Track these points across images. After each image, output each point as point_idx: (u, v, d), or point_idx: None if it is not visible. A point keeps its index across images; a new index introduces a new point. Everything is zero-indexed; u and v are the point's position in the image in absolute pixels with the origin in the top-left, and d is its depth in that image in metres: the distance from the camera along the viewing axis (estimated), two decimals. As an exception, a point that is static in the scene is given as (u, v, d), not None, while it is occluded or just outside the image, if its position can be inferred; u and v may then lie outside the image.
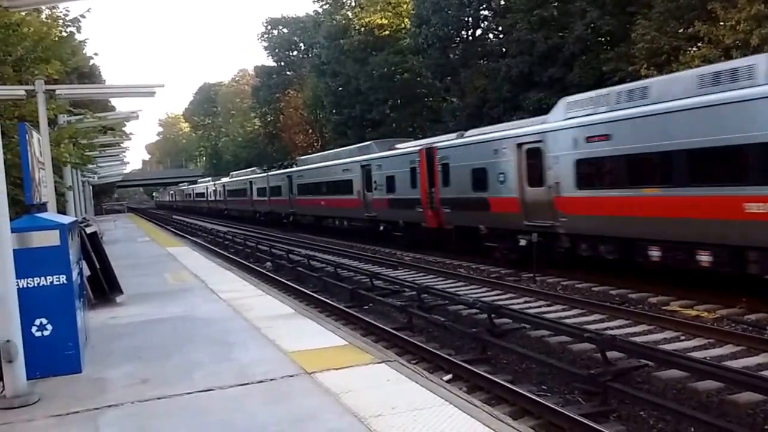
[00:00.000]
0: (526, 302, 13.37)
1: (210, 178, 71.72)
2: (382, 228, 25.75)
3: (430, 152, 21.49)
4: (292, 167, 40.36)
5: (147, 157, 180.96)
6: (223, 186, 60.74)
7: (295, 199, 37.42)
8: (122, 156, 37.71)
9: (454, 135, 22.01)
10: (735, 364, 8.48)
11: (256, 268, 20.33)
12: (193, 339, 8.33)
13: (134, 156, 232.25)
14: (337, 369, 6.58)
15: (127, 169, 71.21)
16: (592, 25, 30.66)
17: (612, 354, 8.63)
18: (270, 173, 43.64)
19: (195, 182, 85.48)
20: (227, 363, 7.09)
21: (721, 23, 23.78)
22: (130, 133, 31.10)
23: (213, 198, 65.62)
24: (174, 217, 66.02)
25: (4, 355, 5.90)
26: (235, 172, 61.04)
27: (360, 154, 28.39)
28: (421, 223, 22.13)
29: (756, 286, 11.60)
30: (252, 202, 48.50)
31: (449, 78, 42.84)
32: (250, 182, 48.82)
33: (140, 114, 23.03)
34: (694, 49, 25.33)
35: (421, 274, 17.90)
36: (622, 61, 28.61)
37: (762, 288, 11.70)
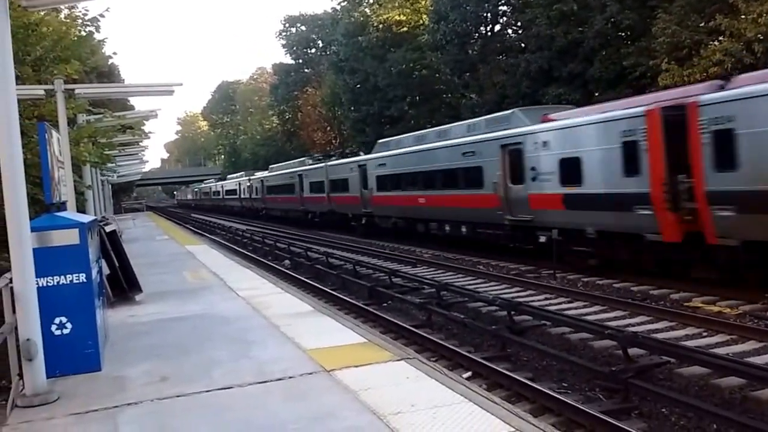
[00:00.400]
0: (546, 299, 13.28)
1: (243, 173, 68.82)
2: (543, 239, 16.54)
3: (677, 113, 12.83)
4: (359, 155, 33.59)
5: (166, 155, 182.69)
6: (261, 182, 53.30)
7: (372, 195, 28.51)
8: (141, 155, 37.99)
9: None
10: (758, 360, 8.38)
11: (274, 265, 20.40)
12: (212, 337, 8.36)
13: (153, 155, 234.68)
14: (356, 366, 6.57)
15: (146, 168, 71.73)
16: (612, 19, 30.40)
17: (633, 351, 8.58)
18: (329, 163, 35.87)
19: (224, 178, 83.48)
20: (246, 361, 7.10)
21: (743, 16, 23.48)
22: (149, 132, 31.31)
23: (247, 195, 58.80)
24: (193, 215, 66.35)
25: (24, 354, 5.95)
26: (275, 165, 55.02)
27: (497, 128, 19.50)
28: (647, 234, 13.58)
29: None
30: (302, 199, 40.26)
31: (468, 74, 42.72)
32: (300, 176, 40.39)
33: (159, 113, 23.18)
34: (716, 42, 25.04)
35: (440, 272, 17.84)
36: (642, 56, 28.37)
37: None
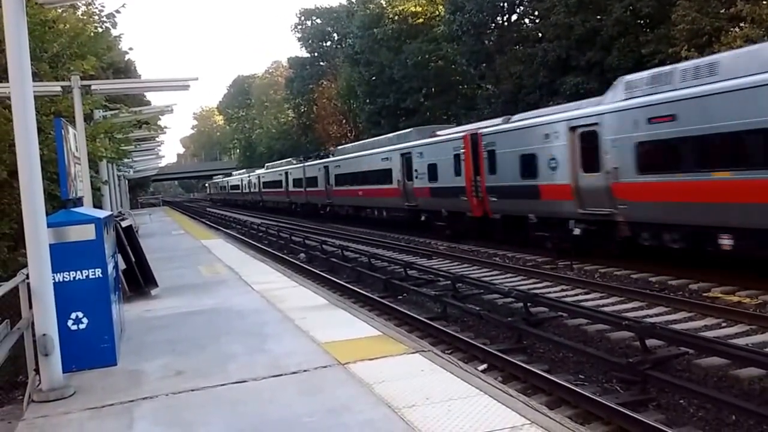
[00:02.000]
0: (562, 290, 13.25)
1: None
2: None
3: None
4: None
5: (182, 150, 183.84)
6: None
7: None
8: (157, 150, 38.19)
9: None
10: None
11: (289, 259, 20.47)
12: (227, 331, 8.41)
13: (169, 150, 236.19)
14: (370, 359, 6.59)
15: (162, 163, 72.16)
16: (631, 6, 30.22)
17: (651, 342, 8.54)
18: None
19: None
20: (261, 354, 7.14)
21: (765, 2, 23.16)
22: (165, 127, 31.55)
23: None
24: (209, 210, 66.79)
25: (41, 349, 6.01)
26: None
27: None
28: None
29: None
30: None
31: (484, 65, 42.56)
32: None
33: (175, 108, 23.30)
34: (736, 29, 24.69)
35: (455, 264, 17.83)
36: (662, 44, 28.11)
37: None
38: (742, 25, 24.43)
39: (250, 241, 27.56)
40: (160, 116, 24.72)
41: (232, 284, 12.46)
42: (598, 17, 32.34)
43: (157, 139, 31.77)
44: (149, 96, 40.64)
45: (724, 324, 9.98)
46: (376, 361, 6.53)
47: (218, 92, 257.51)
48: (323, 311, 9.39)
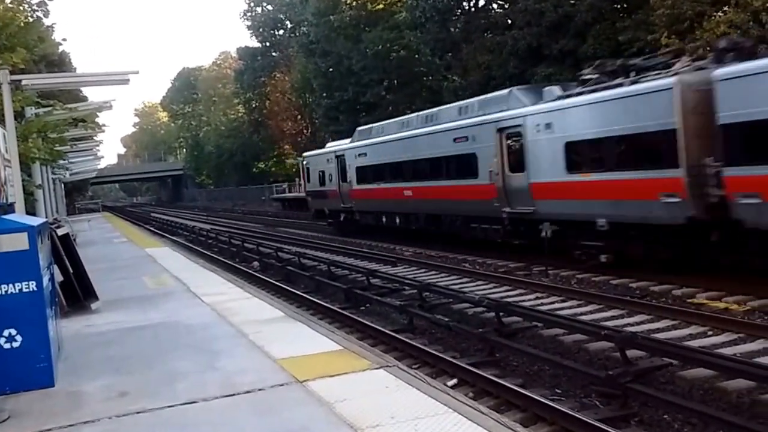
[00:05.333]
0: (537, 298, 13.41)
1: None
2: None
3: None
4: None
5: (123, 150, 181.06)
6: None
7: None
8: (96, 150, 37.73)
9: None
10: (768, 360, 8.44)
11: (242, 268, 20.37)
12: (175, 347, 8.36)
13: (109, 150, 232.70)
14: (331, 376, 6.61)
15: (102, 165, 71.22)
16: (607, -10, 30.32)
17: (632, 353, 8.64)
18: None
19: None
20: (212, 372, 7.12)
21: (749, -16, 23.30)
22: (104, 125, 31.11)
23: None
24: (153, 215, 65.93)
25: (-31, 371, 5.92)
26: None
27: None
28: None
29: None
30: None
31: (450, 54, 42.73)
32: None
33: (114, 104, 23.09)
34: (720, 14, 24.89)
35: (422, 271, 17.95)
36: (640, 30, 28.28)
37: None
38: (725, 9, 24.67)
39: (198, 248, 27.36)
40: (98, 113, 24.38)
41: (180, 296, 12.38)
42: (572, 2, 32.56)
43: (95, 138, 31.39)
44: (86, 91, 40.19)
45: (710, 332, 10.15)
46: (337, 378, 6.55)
47: (162, 86, 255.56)
48: (279, 324, 9.38)
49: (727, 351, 8.96)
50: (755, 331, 9.86)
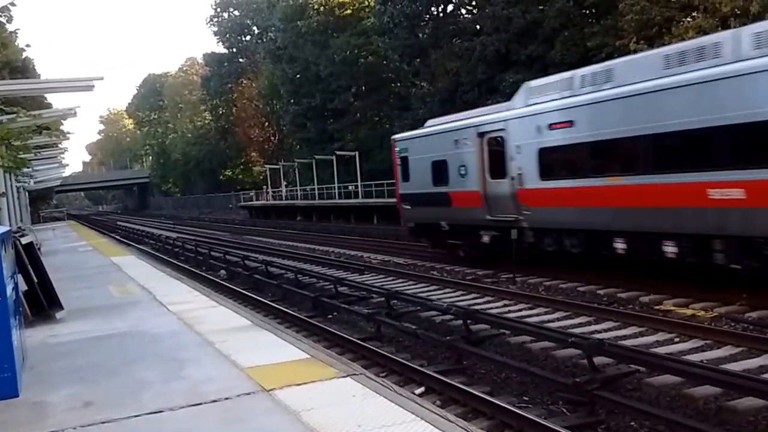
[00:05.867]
0: (505, 305, 13.51)
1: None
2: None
3: None
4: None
5: (88, 158, 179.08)
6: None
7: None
8: (60, 158, 37.30)
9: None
10: (735, 366, 8.59)
11: (209, 276, 20.23)
12: (141, 356, 8.30)
13: (74, 158, 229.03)
14: (297, 385, 6.61)
15: (67, 172, 70.30)
16: (575, -5, 30.55)
17: (600, 360, 8.73)
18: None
19: None
20: (178, 382, 7.08)
21: (719, -11, 23.55)
22: (68, 133, 30.77)
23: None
24: (119, 223, 65.13)
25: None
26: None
27: None
28: None
29: (757, 281, 11.87)
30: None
31: (418, 60, 42.89)
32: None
33: (79, 111, 22.79)
34: (689, 19, 25.09)
35: (390, 279, 17.99)
36: (609, 36, 28.40)
37: (764, 282, 11.98)
38: (694, 14, 24.94)
39: (165, 257, 27.11)
40: (62, 120, 24.16)
41: (146, 305, 12.28)
42: (540, 8, 32.71)
43: (60, 145, 31.05)
44: (50, 98, 39.56)
45: (677, 339, 10.27)
46: (304, 387, 6.55)
47: (127, 93, 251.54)
48: (246, 333, 9.35)
49: (694, 358, 9.07)
50: (722, 337, 9.98)
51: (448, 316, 12.03)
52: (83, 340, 9.59)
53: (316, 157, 53.96)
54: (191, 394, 6.54)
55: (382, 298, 13.80)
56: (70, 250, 27.63)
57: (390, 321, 12.18)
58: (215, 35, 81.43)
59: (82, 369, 7.92)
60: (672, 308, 12.21)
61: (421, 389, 8.66)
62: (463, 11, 42.19)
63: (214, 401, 6.32)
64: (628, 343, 9.95)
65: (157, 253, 29.12)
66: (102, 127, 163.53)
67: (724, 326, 10.78)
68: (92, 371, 7.78)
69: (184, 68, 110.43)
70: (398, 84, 52.07)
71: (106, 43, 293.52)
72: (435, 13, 42.66)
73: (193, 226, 53.84)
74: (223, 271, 21.69)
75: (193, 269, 22.34)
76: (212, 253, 25.65)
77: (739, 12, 23.14)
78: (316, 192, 56.15)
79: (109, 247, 29.43)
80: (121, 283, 15.67)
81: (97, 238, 38.40)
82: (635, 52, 25.43)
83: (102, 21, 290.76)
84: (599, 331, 10.90)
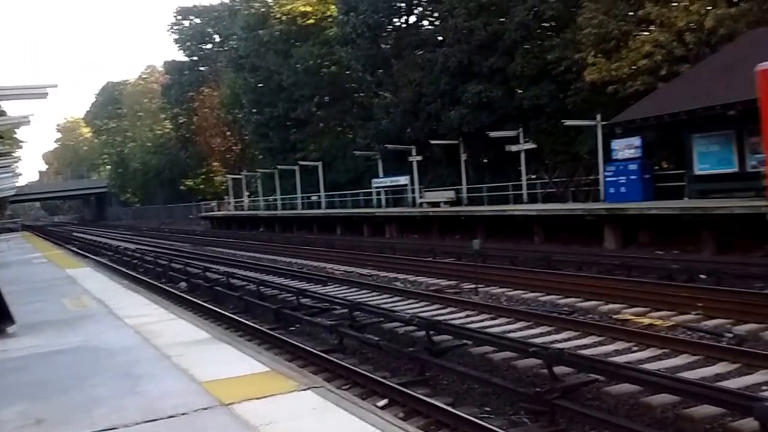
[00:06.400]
0: (467, 316, 13.57)
1: None
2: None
3: None
4: None
5: (44, 167, 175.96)
6: None
7: None
8: (14, 167, 36.61)
9: None
10: (691, 375, 8.74)
11: (168, 289, 20.01)
12: (95, 372, 8.14)
13: (29, 167, 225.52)
14: (257, 398, 6.54)
15: (21, 182, 69.01)
16: (534, 9, 31.15)
17: (560, 369, 8.83)
18: None
19: None
20: (133, 397, 6.95)
21: (674, 4, 24.24)
22: (21, 141, 30.31)
23: None
24: (75, 234, 64.05)
25: None
26: None
27: None
28: None
29: (712, 291, 12.28)
30: None
31: (381, 71, 43.18)
32: None
33: (33, 119, 22.36)
34: (645, 33, 25.73)
35: (353, 290, 17.97)
36: (568, 49, 28.99)
37: (719, 292, 12.51)
38: (651, 28, 25.56)
39: (123, 269, 26.73)
40: (15, 129, 23.74)
41: (101, 319, 12.05)
42: (501, 20, 33.24)
43: (13, 154, 30.51)
44: (3, 106, 38.80)
45: (635, 348, 10.41)
46: (264, 400, 6.49)
47: (85, 101, 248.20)
48: (205, 346, 9.24)
49: (652, 366, 9.21)
50: (678, 346, 10.15)
51: (411, 327, 12.04)
52: (35, 356, 9.36)
53: (279, 167, 53.79)
54: (147, 410, 6.43)
55: (345, 310, 13.77)
56: (23, 262, 27.08)
57: (353, 332, 12.16)
58: (176, 43, 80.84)
59: (34, 385, 7.74)
60: (630, 317, 12.39)
61: (384, 401, 8.65)
62: (426, 23, 42.55)
63: (171, 417, 6.22)
64: (587, 352, 10.07)
65: (114, 265, 28.68)
66: (59, 135, 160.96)
67: (680, 335, 10.97)
68: (44, 387, 7.61)
69: (144, 76, 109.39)
70: (361, 94, 52.16)
71: (64, 50, 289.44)
72: (397, 24, 42.94)
73: (152, 237, 53.17)
74: (183, 283, 21.46)
75: (153, 281, 22.07)
76: (172, 264, 25.38)
77: (694, 26, 23.73)
78: (279, 202, 55.93)
79: (64, 258, 28.90)
80: (76, 296, 15.38)
81: (52, 249, 37.71)
82: (594, 65, 26.05)
83: (59, 28, 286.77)
84: (559, 341, 11.01)
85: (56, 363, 8.82)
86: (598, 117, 26.51)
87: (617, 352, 10.28)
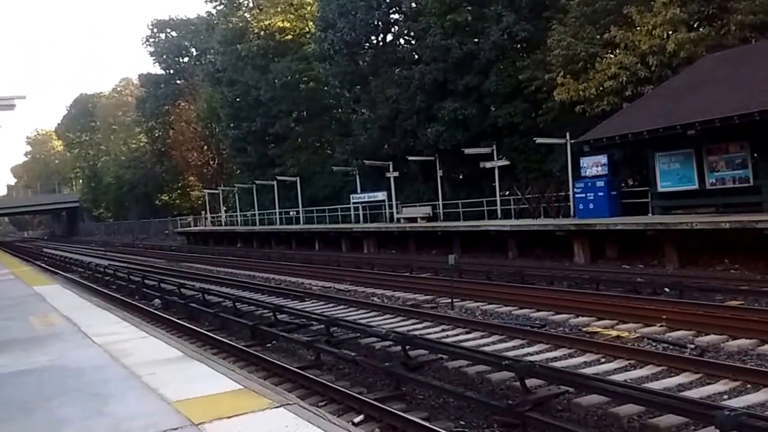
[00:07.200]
0: (443, 330, 13.63)
1: None
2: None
3: None
4: None
5: (13, 181, 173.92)
6: None
7: None
8: (-19, 181, 36.12)
9: None
10: (656, 385, 8.95)
11: (141, 306, 19.80)
12: (61, 392, 8.02)
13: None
14: (228, 417, 6.48)
15: (-12, 196, 68.03)
16: (508, 30, 31.77)
17: (532, 382, 8.94)
18: None
19: None
20: (100, 418, 6.86)
21: (637, 28, 25.29)
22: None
23: None
24: (45, 250, 63.28)
25: None
26: None
27: None
28: None
29: (676, 303, 12.69)
30: None
31: (358, 87, 43.47)
32: None
33: (1, 131, 22.10)
34: (611, 55, 26.71)
35: (330, 305, 17.95)
36: (538, 69, 29.81)
37: (682, 304, 12.98)
38: (616, 51, 26.50)
39: (94, 286, 26.44)
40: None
41: (69, 337, 11.89)
42: (476, 40, 33.88)
43: (-21, 168, 30.05)
44: (-31, 118, 38.33)
45: (603, 360, 10.61)
46: (235, 419, 6.44)
47: (57, 113, 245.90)
48: (177, 365, 9.15)
49: (619, 377, 9.41)
50: (644, 357, 10.38)
51: (387, 342, 12.04)
52: (-1, 375, 9.22)
53: (257, 182, 53.68)
54: (114, 431, 6.37)
55: (322, 326, 13.74)
56: (-12, 280, 26.65)
57: (329, 348, 12.12)
58: (151, 56, 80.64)
59: (-3, 406, 7.61)
60: (598, 330, 12.65)
61: (360, 417, 8.64)
62: (402, 41, 42.95)
63: (140, 437, 6.17)
64: (558, 364, 10.24)
65: (86, 282, 28.36)
66: (29, 148, 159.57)
67: (647, 346, 11.25)
68: (7, 408, 7.45)
69: (118, 89, 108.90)
70: (339, 110, 52.32)
71: (34, 61, 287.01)
72: (375, 41, 43.28)
73: (126, 253, 52.67)
74: (157, 300, 21.24)
75: (125, 298, 21.85)
76: (145, 281, 25.14)
77: (656, 50, 24.65)
78: (257, 218, 55.76)
79: (33, 275, 28.52)
80: (44, 314, 15.15)
81: (20, 266, 37.20)
82: (563, 85, 26.77)
83: (30, 38, 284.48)
84: (531, 354, 11.15)
85: (21, 383, 8.65)
86: (568, 135, 27.15)
87: (586, 364, 10.45)
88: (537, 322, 13.83)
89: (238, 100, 55.76)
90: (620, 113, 24.96)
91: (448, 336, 13.04)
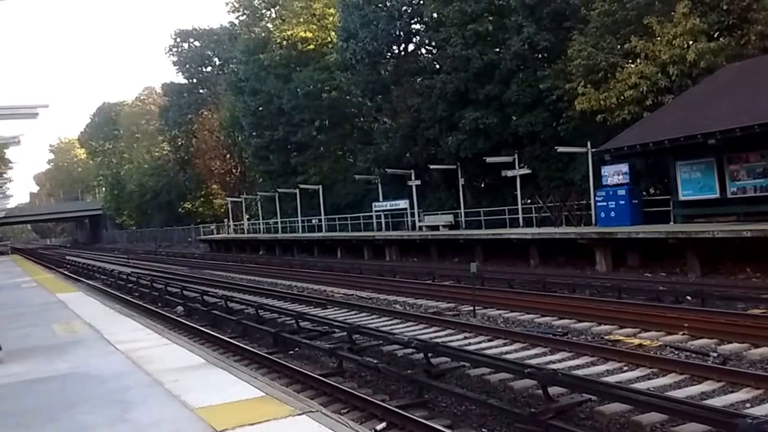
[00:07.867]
0: (465, 338, 13.59)
1: None
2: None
3: None
4: None
5: (36, 189, 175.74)
6: None
7: None
8: (4, 188, 36.55)
9: None
10: (679, 393, 8.89)
11: (164, 313, 19.92)
12: (84, 399, 8.05)
13: (19, 188, 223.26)
14: (251, 425, 6.48)
15: (12, 204, 68.84)
16: (528, 40, 31.80)
17: (554, 389, 8.86)
18: None
19: None
20: (123, 425, 6.88)
21: (658, 38, 25.24)
22: (11, 163, 30.30)
23: None
24: (68, 257, 63.76)
25: None
26: None
27: None
28: None
29: (697, 311, 12.66)
30: None
31: (380, 96, 43.53)
32: None
33: (25, 139, 22.31)
34: (632, 65, 26.71)
35: (353, 313, 17.95)
36: (559, 79, 29.80)
37: (704, 312, 12.93)
38: (637, 61, 26.45)
39: (117, 293, 26.65)
40: (4, 149, 23.72)
41: (92, 344, 11.95)
42: (496, 50, 33.94)
43: (4, 175, 30.45)
44: (-6, 126, 38.92)
45: (625, 368, 10.53)
46: (258, 426, 6.44)
47: (80, 122, 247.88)
48: (199, 372, 9.17)
49: (641, 386, 9.34)
50: (667, 365, 10.31)
51: (409, 350, 12.01)
52: (21, 383, 9.23)
53: (279, 190, 53.86)
54: (138, 438, 6.38)
55: (345, 333, 13.73)
56: (12, 287, 26.92)
57: (352, 356, 12.11)
58: (174, 65, 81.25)
59: (20, 414, 7.61)
60: (620, 338, 12.58)
61: (383, 425, 8.62)
62: (423, 51, 43.03)
63: (162, 444, 6.18)
64: (580, 372, 10.16)
65: (108, 289, 28.57)
66: (52, 156, 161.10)
67: (669, 354, 11.17)
68: (30, 416, 7.49)
69: (142, 97, 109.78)
70: (361, 119, 52.41)
71: (58, 70, 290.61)
72: (396, 51, 43.39)
73: (149, 261, 53.03)
74: (179, 307, 21.35)
75: (148, 306, 22.00)
76: (169, 288, 25.28)
77: (676, 59, 24.63)
78: (279, 225, 55.93)
79: (55, 282, 28.77)
80: (67, 320, 15.25)
81: (43, 273, 37.56)
82: (583, 95, 26.80)
83: (54, 47, 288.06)
84: (554, 362, 11.09)
85: (43, 390, 8.71)
86: (589, 144, 27.07)
87: (609, 372, 10.38)
88: (559, 330, 13.77)
89: (260, 109, 56.05)
90: (641, 122, 24.86)
91: (470, 344, 12.99)
